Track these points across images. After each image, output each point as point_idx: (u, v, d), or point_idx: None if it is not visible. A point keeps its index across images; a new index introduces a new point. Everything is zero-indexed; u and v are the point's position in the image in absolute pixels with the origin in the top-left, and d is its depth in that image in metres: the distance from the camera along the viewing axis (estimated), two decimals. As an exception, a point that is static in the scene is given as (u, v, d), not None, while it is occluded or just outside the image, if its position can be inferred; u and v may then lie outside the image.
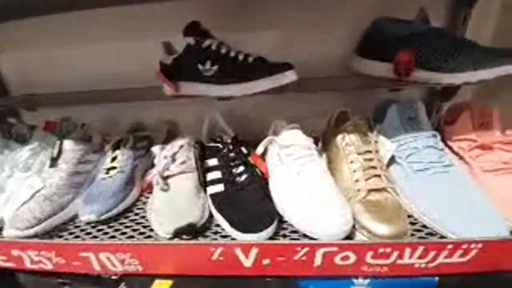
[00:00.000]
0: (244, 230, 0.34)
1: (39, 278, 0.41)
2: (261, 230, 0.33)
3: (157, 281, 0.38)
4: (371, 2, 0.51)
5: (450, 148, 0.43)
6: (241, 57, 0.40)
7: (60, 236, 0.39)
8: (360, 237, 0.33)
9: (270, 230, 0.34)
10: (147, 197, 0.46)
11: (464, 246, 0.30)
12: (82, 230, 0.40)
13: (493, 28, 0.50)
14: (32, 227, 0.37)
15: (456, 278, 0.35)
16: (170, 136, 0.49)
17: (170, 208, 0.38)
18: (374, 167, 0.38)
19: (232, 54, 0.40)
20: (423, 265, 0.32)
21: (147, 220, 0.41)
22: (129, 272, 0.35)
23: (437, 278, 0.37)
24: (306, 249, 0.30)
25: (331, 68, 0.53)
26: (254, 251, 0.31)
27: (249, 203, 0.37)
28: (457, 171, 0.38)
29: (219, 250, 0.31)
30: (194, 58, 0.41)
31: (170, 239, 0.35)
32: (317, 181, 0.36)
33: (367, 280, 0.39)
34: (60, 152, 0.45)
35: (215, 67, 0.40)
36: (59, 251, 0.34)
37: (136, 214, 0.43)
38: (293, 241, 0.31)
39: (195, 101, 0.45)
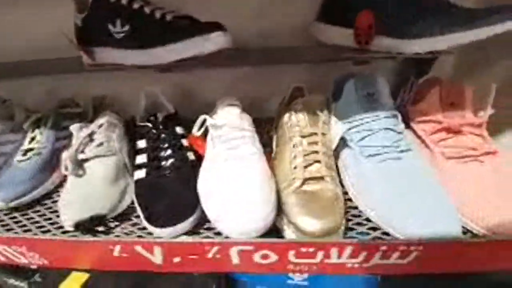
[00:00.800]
0: (156, 224, 0.29)
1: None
2: (173, 225, 0.29)
3: (73, 274, 0.35)
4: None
5: (413, 130, 0.37)
6: (158, 14, 0.32)
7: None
8: (287, 233, 0.29)
9: (185, 225, 0.29)
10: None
11: (402, 248, 0.25)
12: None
13: None
14: None
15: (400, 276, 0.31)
16: (98, 114, 0.42)
17: (79, 197, 0.33)
18: (316, 152, 0.33)
19: (147, 10, 0.32)
20: (356, 265, 0.28)
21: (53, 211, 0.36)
22: (32, 263, 0.32)
23: (379, 278, 0.33)
24: (216, 248, 0.26)
25: (293, 37, 0.45)
26: (157, 250, 0.27)
27: (168, 193, 0.32)
28: (413, 157, 0.32)
29: (118, 247, 0.27)
30: (103, 17, 0.33)
31: (74, 231, 0.31)
32: (243, 170, 0.30)
33: (305, 276, 0.35)
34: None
35: (126, 27, 0.32)
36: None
37: (55, 202, 0.38)
38: (202, 239, 0.27)
39: (137, 73, 0.38)
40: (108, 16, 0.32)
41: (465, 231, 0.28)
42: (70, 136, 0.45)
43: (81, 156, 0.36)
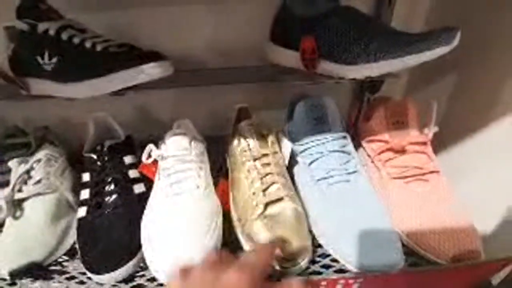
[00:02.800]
0: (93, 270, 0.27)
1: None
2: (111, 271, 0.27)
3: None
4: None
5: (364, 149, 0.38)
6: (88, 44, 0.30)
7: None
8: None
9: (122, 271, 0.27)
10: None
11: (342, 282, 0.25)
12: None
13: (426, 10, 0.42)
14: None
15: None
16: (41, 145, 0.40)
17: (15, 242, 0.30)
18: (271, 173, 0.32)
19: (76, 40, 0.30)
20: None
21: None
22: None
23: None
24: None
25: (246, 56, 0.45)
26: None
27: (107, 235, 0.30)
28: (359, 180, 0.32)
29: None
30: (31, 48, 0.31)
31: (11, 281, 0.29)
32: (183, 207, 0.29)
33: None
34: None
35: (54, 59, 0.30)
36: None
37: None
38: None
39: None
40: (36, 48, 0.30)
41: (408, 257, 0.28)
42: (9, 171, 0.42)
43: (18, 196, 0.33)
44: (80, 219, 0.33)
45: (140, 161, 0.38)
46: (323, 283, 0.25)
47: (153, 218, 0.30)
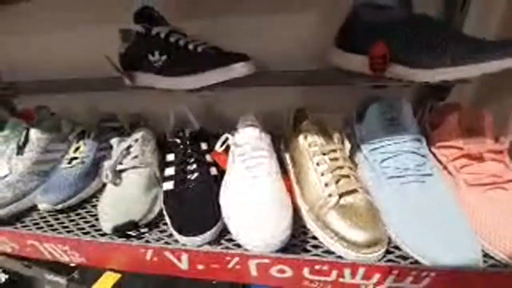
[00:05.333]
0: (182, 232, 0.32)
1: (5, 259, 0.44)
2: (197, 234, 0.32)
3: (106, 273, 0.39)
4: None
5: (434, 155, 0.38)
6: (191, 46, 0.36)
7: (23, 222, 0.41)
8: (338, 249, 0.30)
9: (207, 236, 0.32)
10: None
11: (414, 273, 0.26)
12: (42, 218, 0.41)
13: (499, 17, 0.41)
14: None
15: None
16: (134, 129, 0.48)
17: (116, 204, 0.37)
18: (341, 167, 0.34)
19: (181, 43, 0.36)
20: (370, 287, 0.29)
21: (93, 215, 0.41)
22: (74, 262, 0.36)
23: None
24: (236, 259, 0.28)
25: (309, 61, 0.48)
26: (184, 256, 0.30)
27: (193, 205, 0.35)
28: (435, 182, 0.33)
29: (150, 252, 0.30)
30: (144, 48, 0.38)
31: (111, 235, 0.35)
32: (260, 188, 0.33)
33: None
34: (26, 140, 0.46)
35: (163, 57, 0.37)
36: (12, 238, 0.36)
37: (94, 206, 0.43)
38: (223, 250, 0.29)
39: (171, 92, 0.43)
40: (149, 48, 0.37)
41: (488, 259, 0.28)
42: (109, 147, 0.50)
43: (119, 167, 0.41)
44: (167, 191, 0.39)
45: (211, 150, 0.44)
46: (395, 271, 0.26)
47: (233, 197, 0.34)
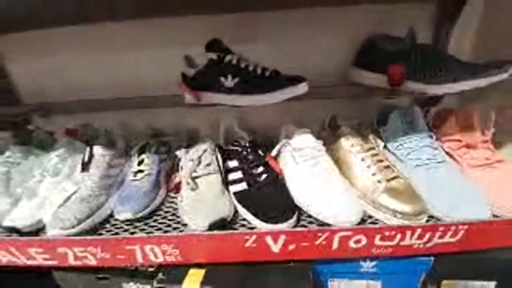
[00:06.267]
0: (270, 222, 0.39)
1: (78, 275, 0.45)
2: (285, 221, 0.39)
3: (191, 271, 0.43)
4: (365, 19, 0.58)
5: (441, 147, 0.51)
6: (259, 70, 0.45)
7: (99, 234, 0.43)
8: (395, 220, 0.39)
9: (292, 221, 0.39)
10: (173, 197, 0.50)
11: (453, 228, 0.36)
12: (117, 228, 0.44)
13: (473, 40, 0.58)
14: (74, 226, 0.41)
15: (446, 259, 0.41)
16: (190, 142, 0.53)
17: (201, 205, 0.42)
18: (381, 161, 0.45)
19: (250, 68, 0.45)
20: (421, 246, 0.38)
21: (177, 217, 0.45)
22: (168, 262, 0.40)
23: (432, 258, 0.43)
24: (326, 234, 0.36)
25: (326, 78, 0.59)
26: (282, 238, 0.36)
27: (271, 199, 0.42)
28: (449, 166, 0.45)
29: (253, 238, 0.36)
30: (217, 72, 0.46)
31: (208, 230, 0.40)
32: (330, 177, 0.42)
33: (373, 263, 0.45)
34: (91, 157, 0.48)
35: (236, 80, 0.45)
36: (105, 246, 0.38)
37: (166, 212, 0.47)
38: (315, 228, 0.37)
39: (205, 108, 0.50)
40: (221, 72, 0.45)
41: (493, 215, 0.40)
42: (165, 159, 0.55)
43: (194, 174, 0.46)
44: (242, 191, 0.45)
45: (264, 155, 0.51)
46: (441, 228, 0.36)
47: (309, 189, 0.42)
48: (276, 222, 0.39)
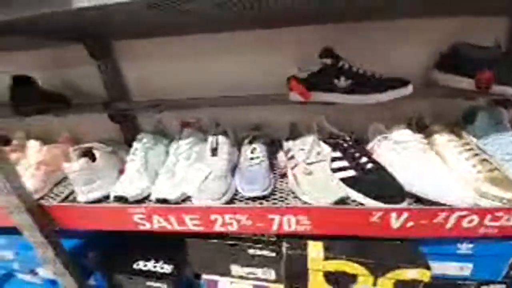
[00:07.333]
0: (391, 202, 0.46)
1: (208, 241, 0.54)
2: (403, 201, 0.45)
3: (310, 243, 0.50)
4: (447, 29, 0.64)
5: None
6: (369, 73, 0.53)
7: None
8: (499, 205, 0.44)
9: (405, 204, 0.46)
10: (281, 181, 0.58)
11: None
12: (246, 203, 0.52)
13: None
14: (219, 198, 0.50)
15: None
16: (291, 134, 0.62)
17: (320, 188, 0.50)
18: (477, 154, 0.51)
19: (361, 71, 0.53)
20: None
21: (294, 197, 0.53)
22: (298, 232, 0.47)
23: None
24: (444, 214, 0.42)
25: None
26: (404, 215, 0.43)
27: (384, 183, 0.49)
28: None
29: (379, 214, 0.43)
30: (331, 75, 0.54)
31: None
32: (436, 164, 0.49)
33: (471, 245, 0.50)
34: (217, 144, 0.58)
35: (349, 81, 0.53)
36: (251, 214, 0.47)
37: (281, 192, 0.55)
38: (435, 207, 0.43)
39: (297, 106, 0.58)
40: (335, 75, 0.53)
41: None
42: (267, 149, 0.63)
43: (308, 161, 0.54)
44: (349, 178, 0.52)
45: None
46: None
47: (418, 174, 0.49)
48: (396, 202, 0.45)
